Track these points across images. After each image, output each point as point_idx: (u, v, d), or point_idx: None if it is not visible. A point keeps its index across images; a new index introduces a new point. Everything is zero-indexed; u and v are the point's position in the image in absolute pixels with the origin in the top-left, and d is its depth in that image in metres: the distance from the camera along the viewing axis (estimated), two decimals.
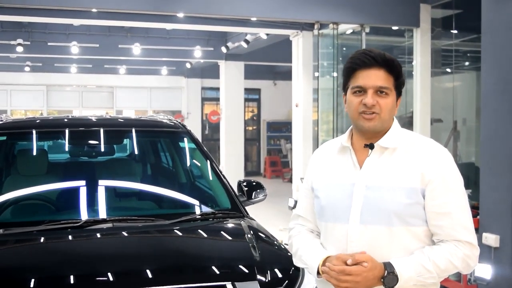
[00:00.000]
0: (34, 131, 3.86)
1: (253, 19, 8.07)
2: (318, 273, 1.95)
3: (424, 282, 1.87)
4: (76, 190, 3.60)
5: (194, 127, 16.36)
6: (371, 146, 1.96)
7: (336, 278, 1.84)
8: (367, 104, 1.89)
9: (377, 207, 1.90)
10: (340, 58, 8.33)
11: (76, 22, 9.72)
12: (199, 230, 3.28)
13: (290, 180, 14.40)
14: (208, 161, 3.84)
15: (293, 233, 2.18)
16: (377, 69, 1.91)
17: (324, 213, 2.02)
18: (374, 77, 1.90)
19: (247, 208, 3.60)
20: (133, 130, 4.12)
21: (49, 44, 11.73)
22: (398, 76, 1.94)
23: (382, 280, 1.82)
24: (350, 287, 1.82)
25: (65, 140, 3.92)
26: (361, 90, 1.92)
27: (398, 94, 1.97)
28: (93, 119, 4.27)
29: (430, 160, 1.90)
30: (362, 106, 1.91)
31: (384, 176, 1.91)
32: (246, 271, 2.68)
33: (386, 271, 1.82)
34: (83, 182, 3.68)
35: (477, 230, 5.03)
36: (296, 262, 2.12)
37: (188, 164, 4.19)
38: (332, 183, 2.01)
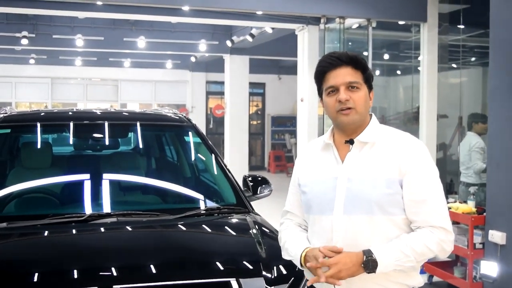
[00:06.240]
0: (38, 124, 3.84)
1: (259, 12, 8.01)
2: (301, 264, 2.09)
3: (403, 267, 1.99)
4: (80, 183, 3.58)
5: (199, 121, 16.31)
6: (351, 142, 2.09)
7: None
8: (341, 100, 2.04)
9: (359, 198, 2.03)
10: None
11: (81, 15, 9.69)
12: (204, 225, 3.26)
13: None
14: (213, 156, 3.81)
15: (282, 228, 2.32)
16: (344, 67, 2.06)
17: (311, 206, 2.16)
18: (343, 75, 2.05)
19: (252, 203, 3.58)
20: (138, 124, 4.09)
21: (54, 36, 11.70)
22: (365, 69, 2.09)
23: (362, 265, 1.94)
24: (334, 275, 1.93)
25: (69, 133, 3.90)
26: (334, 89, 2.07)
27: (369, 87, 2.11)
28: (98, 112, 4.23)
29: (407, 153, 2.04)
30: (338, 104, 2.05)
31: (364, 169, 2.05)
32: (251, 267, 2.67)
33: (365, 257, 1.94)
34: (87, 176, 3.66)
35: (483, 227, 4.99)
36: (284, 255, 2.25)
37: (193, 158, 4.17)
38: (317, 178, 2.15)
